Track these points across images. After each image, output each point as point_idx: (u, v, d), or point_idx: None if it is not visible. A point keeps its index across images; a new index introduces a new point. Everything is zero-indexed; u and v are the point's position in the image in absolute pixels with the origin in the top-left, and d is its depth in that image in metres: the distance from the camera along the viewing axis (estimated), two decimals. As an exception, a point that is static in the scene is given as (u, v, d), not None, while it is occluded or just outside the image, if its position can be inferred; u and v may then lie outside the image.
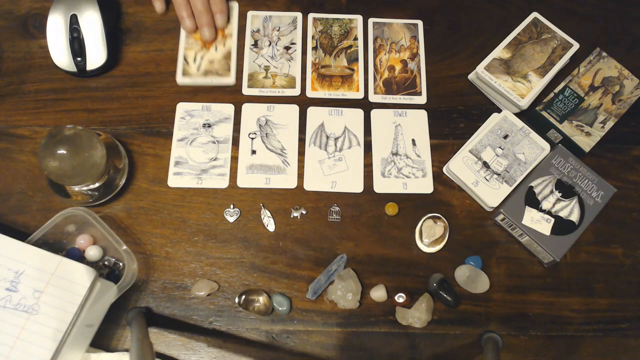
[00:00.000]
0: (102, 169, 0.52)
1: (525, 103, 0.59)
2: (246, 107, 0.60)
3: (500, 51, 0.61)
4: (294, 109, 0.61)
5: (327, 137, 0.60)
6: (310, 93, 0.61)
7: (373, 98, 0.62)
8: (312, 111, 0.61)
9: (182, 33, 0.63)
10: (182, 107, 0.60)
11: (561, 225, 0.55)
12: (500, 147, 0.58)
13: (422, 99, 0.62)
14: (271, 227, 0.56)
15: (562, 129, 0.59)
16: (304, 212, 0.57)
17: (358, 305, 0.53)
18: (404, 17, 0.65)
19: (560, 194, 0.56)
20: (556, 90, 0.60)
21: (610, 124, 0.59)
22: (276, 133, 0.59)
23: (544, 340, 0.54)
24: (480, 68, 0.60)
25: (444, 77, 0.63)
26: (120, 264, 0.53)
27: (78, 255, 0.52)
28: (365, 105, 0.61)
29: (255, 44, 0.63)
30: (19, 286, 0.46)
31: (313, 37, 0.64)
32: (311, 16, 0.65)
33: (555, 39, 0.61)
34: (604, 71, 0.61)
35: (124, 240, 0.52)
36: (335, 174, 0.58)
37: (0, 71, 0.61)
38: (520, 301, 0.55)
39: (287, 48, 0.63)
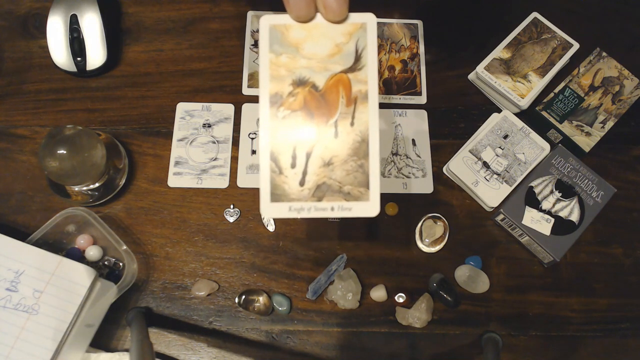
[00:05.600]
0: (102, 169, 0.52)
1: (525, 103, 0.59)
2: (246, 107, 0.60)
3: (500, 51, 0.61)
4: (294, 109, 0.61)
5: (327, 137, 0.60)
6: (310, 93, 0.61)
7: (373, 98, 0.61)
8: (312, 111, 0.61)
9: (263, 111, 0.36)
10: (182, 107, 0.60)
11: (561, 225, 0.55)
12: (500, 147, 0.58)
13: (422, 99, 0.62)
14: (271, 227, 0.56)
15: (562, 129, 0.59)
16: (304, 212, 0.57)
17: (358, 305, 0.53)
18: (404, 17, 0.65)
19: (560, 194, 0.56)
20: (556, 90, 0.60)
21: (610, 124, 0.59)
22: (276, 133, 0.59)
23: (544, 340, 0.54)
24: (480, 68, 0.60)
25: (444, 77, 0.63)
26: (120, 264, 0.53)
27: (78, 255, 0.52)
28: (365, 105, 0.61)
29: (255, 44, 0.63)
30: (19, 286, 0.46)
31: (313, 37, 0.64)
32: (311, 16, 0.65)
33: (555, 39, 0.61)
34: (604, 71, 0.61)
35: (124, 240, 0.52)
36: (335, 174, 0.58)
37: (0, 71, 0.61)
38: (520, 301, 0.55)
39: (287, 48, 0.63)
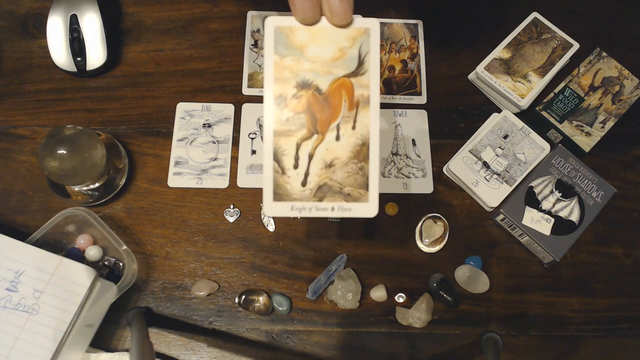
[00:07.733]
0: (102, 169, 0.52)
1: (525, 103, 0.59)
2: (246, 107, 0.60)
3: (500, 51, 0.61)
4: (294, 109, 0.61)
5: (327, 137, 0.60)
6: (310, 93, 0.61)
7: (373, 98, 0.61)
8: (312, 111, 0.61)
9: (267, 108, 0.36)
10: (182, 107, 0.60)
11: (561, 225, 0.55)
12: (500, 147, 0.58)
13: (422, 99, 0.62)
14: (271, 227, 0.56)
15: (562, 129, 0.59)
16: (304, 212, 0.57)
17: (358, 305, 0.53)
18: (404, 17, 0.65)
19: (560, 194, 0.56)
20: (556, 90, 0.60)
21: (610, 124, 0.59)
22: (276, 133, 0.59)
23: (544, 340, 0.54)
24: (480, 68, 0.60)
25: (444, 77, 0.63)
26: (120, 264, 0.53)
27: (78, 255, 0.52)
28: (365, 105, 0.61)
29: (255, 44, 0.63)
30: (19, 286, 0.46)
31: (313, 37, 0.64)
32: (311, 16, 0.65)
33: (555, 39, 0.61)
34: (604, 71, 0.61)
35: (124, 240, 0.52)
36: (335, 174, 0.58)
37: (0, 71, 0.61)
38: (520, 301, 0.55)
39: (287, 48, 0.63)
